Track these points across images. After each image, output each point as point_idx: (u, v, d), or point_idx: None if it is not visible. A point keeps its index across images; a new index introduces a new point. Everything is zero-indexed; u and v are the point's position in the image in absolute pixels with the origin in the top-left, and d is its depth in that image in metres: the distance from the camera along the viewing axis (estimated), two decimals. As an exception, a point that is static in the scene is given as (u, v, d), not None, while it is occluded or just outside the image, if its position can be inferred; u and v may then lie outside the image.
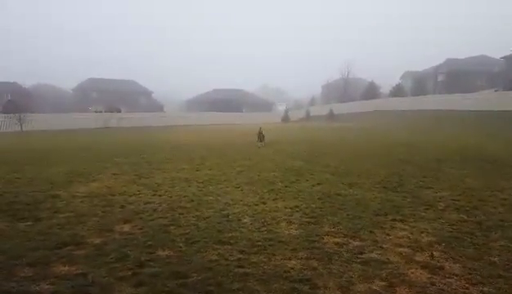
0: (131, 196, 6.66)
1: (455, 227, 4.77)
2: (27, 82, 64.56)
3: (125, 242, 4.28)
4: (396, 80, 62.53)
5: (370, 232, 4.61)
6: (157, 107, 63.02)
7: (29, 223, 5.04)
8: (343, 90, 65.17)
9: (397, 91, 53.10)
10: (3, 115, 35.40)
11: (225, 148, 15.82)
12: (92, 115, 43.11)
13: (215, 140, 20.17)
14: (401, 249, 4.05)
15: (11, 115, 35.05)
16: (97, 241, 4.32)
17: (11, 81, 60.62)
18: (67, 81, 73.20)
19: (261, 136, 15.52)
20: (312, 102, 70.96)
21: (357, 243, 4.24)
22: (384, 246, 4.15)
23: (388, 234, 4.53)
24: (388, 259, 3.79)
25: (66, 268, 3.58)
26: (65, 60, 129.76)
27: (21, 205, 6.01)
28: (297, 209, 5.65)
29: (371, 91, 58.12)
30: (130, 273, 3.44)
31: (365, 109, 47.21)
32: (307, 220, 5.13)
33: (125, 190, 7.10)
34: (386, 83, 60.63)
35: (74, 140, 22.08)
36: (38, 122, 35.58)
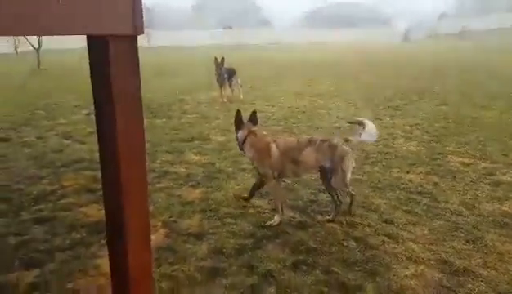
0: (245, 104, 7.03)
1: None
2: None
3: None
4: None
5: (504, 155, 4.10)
6: (266, 23, 62.34)
7: (163, 120, 5.82)
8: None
9: None
10: None
11: (335, 66, 15.16)
12: (206, 32, 45.06)
13: (324, 58, 19.40)
14: (542, 176, 3.53)
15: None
16: (220, 139, 4.78)
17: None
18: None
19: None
20: (442, 16, 61.15)
21: (486, 165, 3.82)
22: (521, 170, 3.67)
23: (526, 159, 3.97)
24: (524, 183, 3.36)
25: (197, 157, 4.10)
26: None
27: (156, 106, 6.91)
28: (418, 127, 5.27)
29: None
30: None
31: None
32: (429, 138, 4.76)
33: (240, 99, 7.51)
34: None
35: (194, 55, 23.70)
36: (161, 38, 38.81)
